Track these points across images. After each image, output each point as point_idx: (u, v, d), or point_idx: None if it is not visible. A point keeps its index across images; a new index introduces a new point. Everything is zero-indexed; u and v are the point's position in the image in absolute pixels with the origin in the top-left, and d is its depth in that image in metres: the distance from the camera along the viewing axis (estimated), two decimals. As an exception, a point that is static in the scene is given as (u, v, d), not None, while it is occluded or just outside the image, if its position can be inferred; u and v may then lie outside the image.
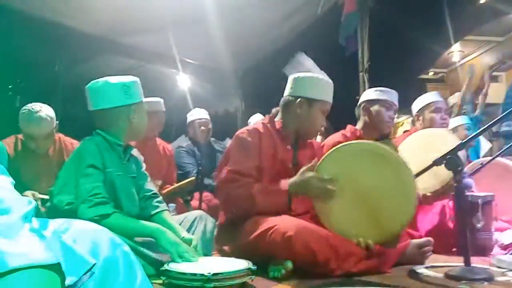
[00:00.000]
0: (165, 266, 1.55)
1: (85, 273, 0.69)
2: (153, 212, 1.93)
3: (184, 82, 5.70)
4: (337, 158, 1.94)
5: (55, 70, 4.32)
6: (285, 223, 1.79)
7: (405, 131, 5.82)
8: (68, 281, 0.65)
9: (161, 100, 3.35)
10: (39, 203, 2.37)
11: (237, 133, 2.15)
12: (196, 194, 3.19)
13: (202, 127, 3.83)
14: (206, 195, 3.33)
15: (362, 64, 4.14)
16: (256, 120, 4.39)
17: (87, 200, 1.69)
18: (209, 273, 1.42)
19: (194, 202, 3.18)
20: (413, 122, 3.20)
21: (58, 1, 3.67)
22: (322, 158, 1.97)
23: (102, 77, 1.89)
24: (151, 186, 2.04)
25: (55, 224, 0.74)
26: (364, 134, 2.65)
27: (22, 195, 2.19)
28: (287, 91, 2.20)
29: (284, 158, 2.12)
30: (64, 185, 1.80)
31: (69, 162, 1.85)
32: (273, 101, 2.43)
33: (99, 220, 1.64)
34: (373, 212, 1.84)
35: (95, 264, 0.71)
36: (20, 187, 2.61)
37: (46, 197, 2.48)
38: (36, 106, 2.65)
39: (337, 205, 1.90)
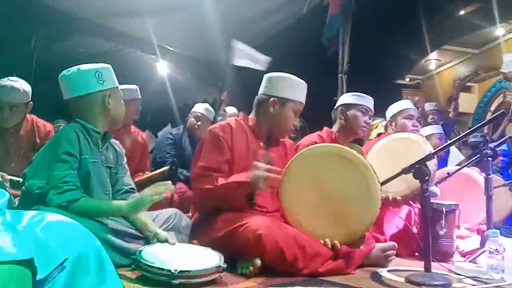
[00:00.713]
0: (137, 255, 1.55)
1: (56, 268, 0.69)
2: None
3: (163, 69, 5.63)
4: (304, 160, 2.00)
5: (31, 47, 4.19)
6: (256, 221, 1.81)
7: (378, 134, 5.93)
8: (39, 276, 0.65)
9: (137, 87, 3.32)
10: (8, 184, 2.32)
11: (210, 127, 2.19)
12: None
13: (198, 122, 3.82)
14: (180, 186, 3.32)
15: (342, 65, 4.20)
16: (231, 112, 4.39)
17: (57, 186, 1.68)
18: (175, 270, 1.43)
19: (167, 193, 3.16)
20: (385, 128, 3.28)
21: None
22: (291, 159, 2.02)
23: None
24: (129, 180, 2.05)
25: (28, 216, 0.74)
26: (339, 137, 2.71)
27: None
28: (261, 90, 2.24)
29: (256, 155, 2.14)
30: (37, 169, 1.79)
31: (46, 147, 1.83)
32: (252, 95, 2.45)
33: (67, 206, 1.64)
34: (339, 213, 1.90)
35: (66, 259, 0.72)
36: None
37: (16, 178, 2.42)
38: (15, 78, 2.65)
39: (305, 206, 1.95)
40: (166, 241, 1.74)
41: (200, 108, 3.94)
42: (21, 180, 2.27)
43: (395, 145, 2.52)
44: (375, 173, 1.89)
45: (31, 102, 2.76)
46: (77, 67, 1.84)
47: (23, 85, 2.65)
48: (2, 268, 0.56)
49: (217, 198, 1.96)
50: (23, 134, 2.81)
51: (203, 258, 1.63)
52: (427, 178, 1.78)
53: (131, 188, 2.02)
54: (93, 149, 1.86)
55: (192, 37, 4.83)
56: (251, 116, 2.26)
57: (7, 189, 2.33)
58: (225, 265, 1.60)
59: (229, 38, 4.66)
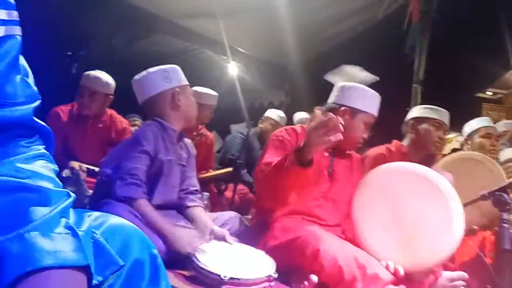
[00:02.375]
0: (191, 255, 1.56)
1: (112, 273, 0.70)
2: (188, 205, 1.97)
3: (233, 70, 5.71)
4: (384, 173, 1.89)
5: (113, 44, 4.43)
6: (315, 235, 1.75)
7: (453, 149, 5.57)
8: (94, 281, 0.66)
9: (217, 95, 3.43)
10: (85, 175, 2.47)
11: (275, 131, 2.17)
12: (231, 186, 3.22)
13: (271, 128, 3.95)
14: (242, 188, 3.34)
15: (417, 75, 3.99)
16: (300, 117, 4.37)
17: (122, 177, 1.74)
18: (225, 276, 1.43)
19: (229, 193, 3.20)
20: (461, 145, 3.08)
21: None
22: (371, 171, 1.92)
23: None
24: (195, 181, 2.10)
25: (90, 218, 0.75)
26: (409, 152, 2.54)
27: (70, 165, 2.31)
28: (331, 98, 2.18)
29: (320, 163, 2.08)
30: (110, 160, 1.88)
31: (125, 143, 1.94)
32: (318, 101, 2.37)
33: (125, 201, 1.70)
34: (410, 239, 1.75)
35: (123, 265, 0.72)
36: (67, 155, 2.74)
37: (92, 167, 2.59)
38: (99, 71, 2.89)
39: (374, 222, 1.84)
40: (223, 239, 1.74)
41: (274, 115, 4.11)
42: (97, 169, 2.42)
43: (459, 166, 2.34)
44: (461, 207, 1.71)
45: (111, 96, 2.93)
46: (146, 70, 1.93)
47: (105, 76, 2.85)
48: (60, 274, 0.57)
49: (276, 177, 1.80)
50: (101, 127, 2.99)
51: (256, 264, 1.61)
52: (507, 207, 1.62)
53: (195, 190, 2.07)
54: (168, 147, 1.93)
55: (262, 39, 4.85)
56: None
57: (82, 177, 2.49)
58: (276, 275, 1.57)
59: (300, 41, 4.65)
